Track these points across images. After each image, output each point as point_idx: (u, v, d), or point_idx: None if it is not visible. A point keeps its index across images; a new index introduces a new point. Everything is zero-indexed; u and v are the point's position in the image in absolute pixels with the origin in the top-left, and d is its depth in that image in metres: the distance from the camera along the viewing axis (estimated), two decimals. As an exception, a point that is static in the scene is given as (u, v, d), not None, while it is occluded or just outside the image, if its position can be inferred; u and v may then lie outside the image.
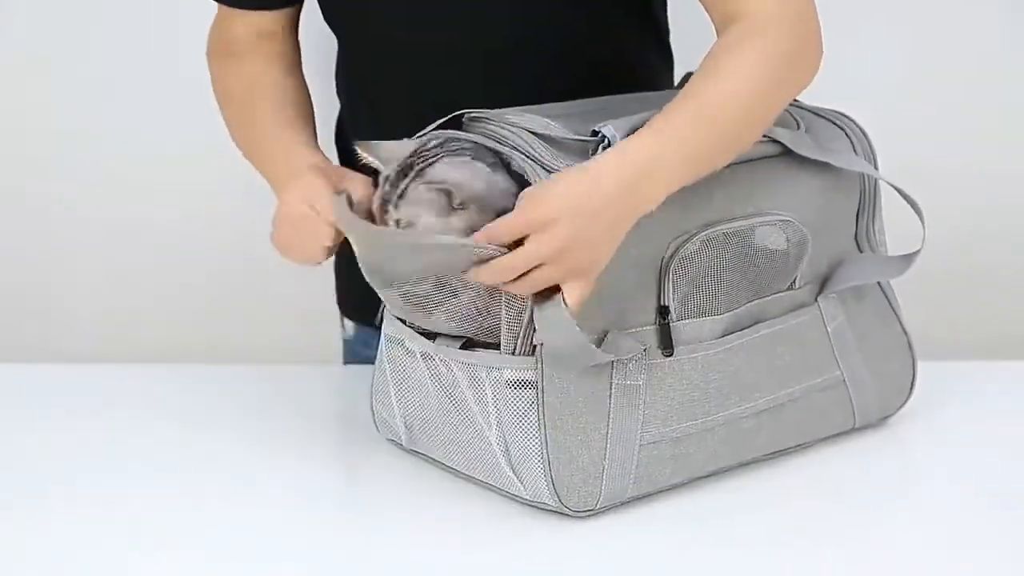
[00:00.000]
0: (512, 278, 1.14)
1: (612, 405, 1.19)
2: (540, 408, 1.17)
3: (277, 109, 1.39)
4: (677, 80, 1.57)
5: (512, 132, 1.19)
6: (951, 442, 1.37)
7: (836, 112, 1.33)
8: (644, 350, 1.19)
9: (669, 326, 1.21)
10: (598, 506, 1.20)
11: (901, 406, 1.37)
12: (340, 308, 1.61)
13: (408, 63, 1.38)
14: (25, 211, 1.81)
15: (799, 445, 1.31)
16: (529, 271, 1.13)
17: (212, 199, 1.80)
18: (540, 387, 1.17)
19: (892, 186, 1.30)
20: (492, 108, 1.22)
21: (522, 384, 1.18)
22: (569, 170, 1.15)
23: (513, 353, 1.18)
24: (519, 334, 1.18)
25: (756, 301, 1.25)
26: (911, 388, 1.37)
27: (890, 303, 1.35)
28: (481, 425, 1.21)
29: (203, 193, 1.80)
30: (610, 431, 1.20)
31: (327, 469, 1.34)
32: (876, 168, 1.32)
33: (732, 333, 1.24)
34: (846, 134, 1.31)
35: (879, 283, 1.34)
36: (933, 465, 1.34)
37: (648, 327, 1.21)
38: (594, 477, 1.19)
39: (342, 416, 1.43)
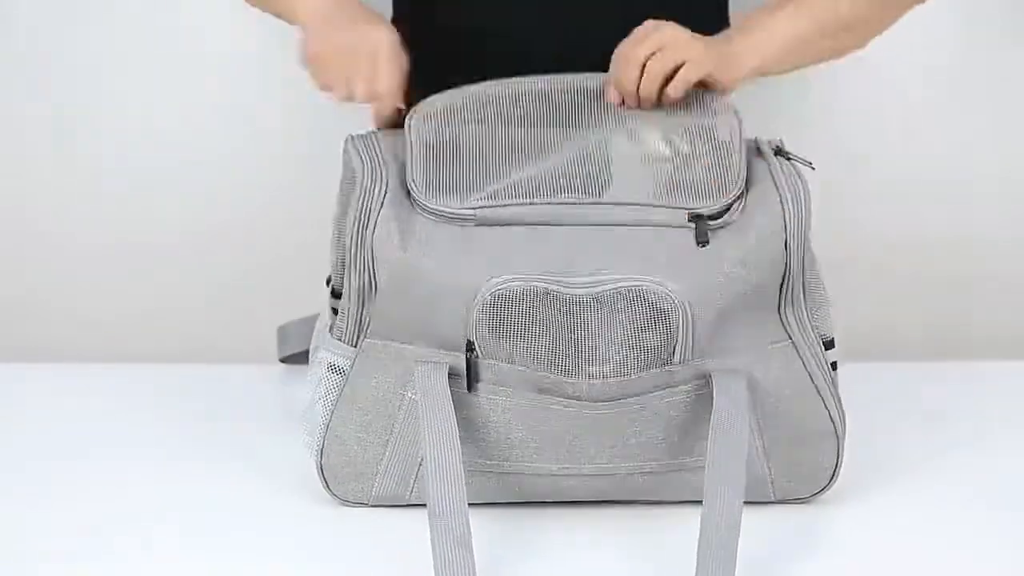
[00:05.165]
0: (635, 71, 1.24)
1: (400, 418, 1.21)
2: (338, 396, 1.22)
3: None
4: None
5: None
6: (952, 442, 1.37)
7: (793, 167, 1.25)
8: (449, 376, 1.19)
9: (470, 361, 1.19)
10: (371, 503, 1.24)
11: (814, 495, 1.25)
12: None
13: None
14: (25, 211, 1.81)
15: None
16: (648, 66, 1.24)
17: (213, 199, 1.80)
18: (347, 376, 1.22)
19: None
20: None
21: (336, 370, 1.23)
22: None
23: (341, 340, 1.22)
24: (347, 322, 1.22)
25: (604, 376, 1.18)
26: (831, 478, 1.24)
27: (815, 386, 1.22)
28: (309, 400, 1.26)
29: (204, 193, 1.79)
30: (391, 440, 1.22)
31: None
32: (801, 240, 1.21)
33: (558, 396, 1.18)
34: (780, 200, 1.21)
35: (807, 368, 1.22)
36: (933, 465, 1.33)
37: (459, 353, 1.19)
38: (367, 476, 1.23)
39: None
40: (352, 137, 1.29)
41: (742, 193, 1.22)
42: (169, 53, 1.76)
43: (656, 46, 1.25)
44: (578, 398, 1.18)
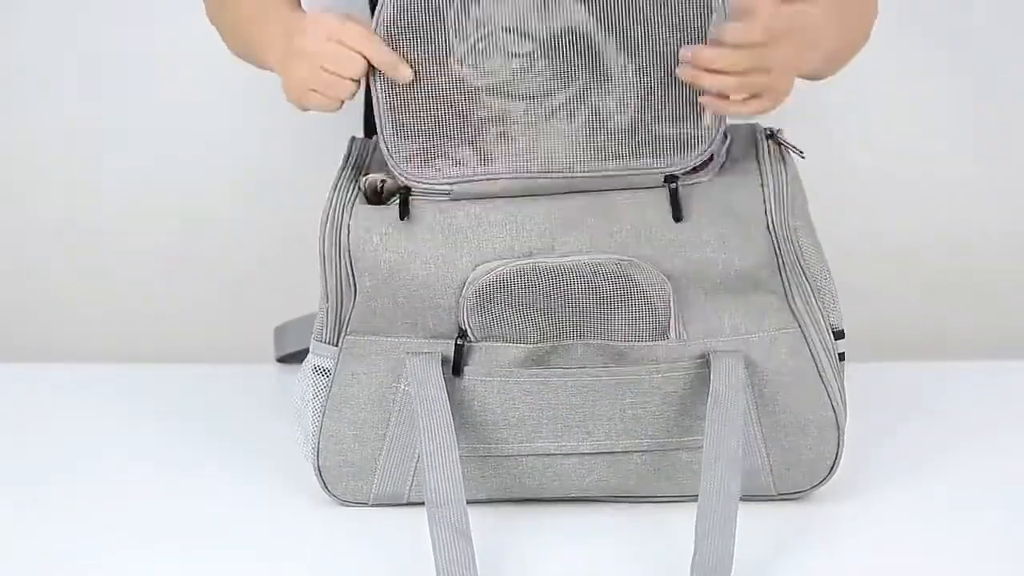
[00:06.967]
0: (736, 71, 1.13)
1: (395, 411, 1.21)
2: (327, 396, 1.22)
3: None
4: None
5: None
6: (952, 441, 1.37)
7: (781, 153, 1.24)
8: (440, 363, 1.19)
9: (462, 348, 1.19)
10: (371, 503, 1.24)
11: (814, 487, 1.24)
12: None
13: None
14: (25, 211, 1.81)
15: (657, 496, 1.25)
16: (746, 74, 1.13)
17: (212, 199, 1.80)
18: (332, 376, 1.21)
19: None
20: None
21: (321, 371, 1.22)
22: None
23: (322, 341, 1.22)
24: (326, 322, 1.21)
25: (600, 342, 1.19)
26: (831, 469, 1.23)
27: (820, 375, 1.22)
28: (299, 404, 1.25)
29: (203, 193, 1.80)
30: (388, 434, 1.22)
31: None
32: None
33: (555, 368, 1.20)
34: (761, 183, 1.21)
35: (814, 356, 1.21)
36: (933, 464, 1.33)
37: (450, 340, 1.20)
38: (366, 473, 1.23)
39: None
40: (355, 138, 1.30)
41: (720, 154, 1.21)
42: (170, 53, 1.76)
43: (764, 63, 1.14)
44: (573, 365, 1.19)
